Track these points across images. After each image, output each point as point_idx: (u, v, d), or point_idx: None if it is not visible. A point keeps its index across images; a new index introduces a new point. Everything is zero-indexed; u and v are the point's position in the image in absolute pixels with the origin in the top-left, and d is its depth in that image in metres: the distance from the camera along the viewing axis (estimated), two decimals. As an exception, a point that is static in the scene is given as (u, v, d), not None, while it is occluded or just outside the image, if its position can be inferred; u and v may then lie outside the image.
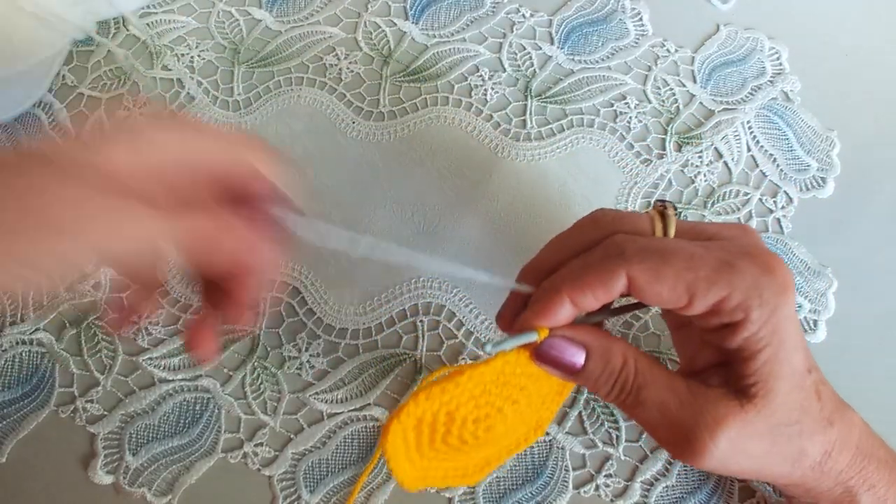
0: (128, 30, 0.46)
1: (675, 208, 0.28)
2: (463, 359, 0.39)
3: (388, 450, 0.28)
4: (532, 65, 0.46)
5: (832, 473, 0.28)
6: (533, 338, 0.27)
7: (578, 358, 0.27)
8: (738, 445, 0.26)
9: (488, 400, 0.28)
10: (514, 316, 0.29)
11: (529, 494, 0.36)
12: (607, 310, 0.30)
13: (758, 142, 0.44)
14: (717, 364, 0.28)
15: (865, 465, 0.29)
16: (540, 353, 0.27)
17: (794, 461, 0.27)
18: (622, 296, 0.27)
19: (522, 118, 0.45)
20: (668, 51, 0.47)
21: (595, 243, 0.28)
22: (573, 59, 0.46)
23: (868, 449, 0.29)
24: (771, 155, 0.44)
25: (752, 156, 0.44)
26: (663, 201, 0.29)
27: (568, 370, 0.28)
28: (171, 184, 0.25)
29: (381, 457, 0.37)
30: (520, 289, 0.29)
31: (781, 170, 0.44)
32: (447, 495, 0.36)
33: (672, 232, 0.28)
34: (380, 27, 0.47)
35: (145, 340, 0.39)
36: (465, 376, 0.27)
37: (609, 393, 0.28)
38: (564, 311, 0.27)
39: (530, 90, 0.45)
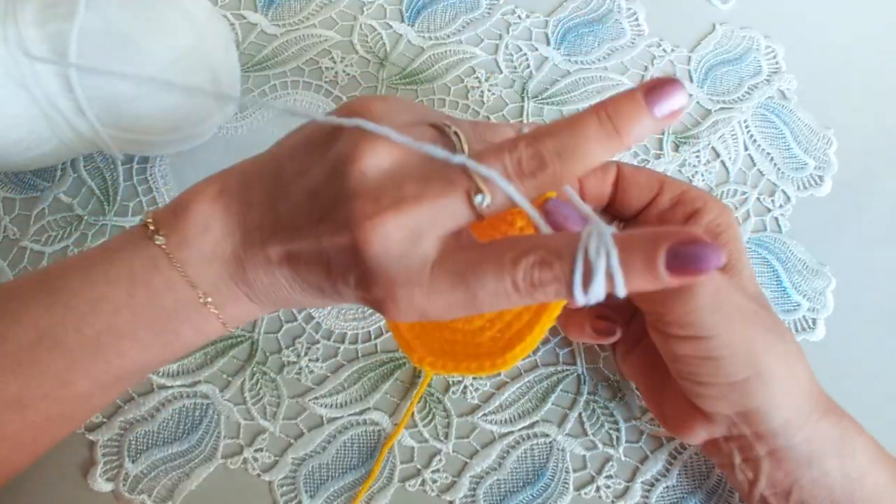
0: None
1: None
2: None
3: (394, 332, 0.31)
4: (528, 66, 0.46)
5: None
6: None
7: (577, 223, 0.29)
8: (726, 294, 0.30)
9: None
10: None
11: (530, 496, 0.36)
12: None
13: (755, 141, 0.44)
14: None
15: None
16: (548, 209, 0.27)
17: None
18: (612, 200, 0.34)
19: (520, 119, 0.45)
20: (664, 50, 0.47)
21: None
22: (569, 60, 0.46)
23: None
24: (768, 154, 0.44)
25: (750, 155, 0.44)
26: None
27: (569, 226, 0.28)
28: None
29: (383, 462, 0.37)
30: None
31: (779, 168, 0.44)
32: (448, 497, 0.36)
33: None
34: (376, 30, 0.47)
35: (144, 347, 0.39)
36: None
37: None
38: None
39: (527, 91, 0.45)
